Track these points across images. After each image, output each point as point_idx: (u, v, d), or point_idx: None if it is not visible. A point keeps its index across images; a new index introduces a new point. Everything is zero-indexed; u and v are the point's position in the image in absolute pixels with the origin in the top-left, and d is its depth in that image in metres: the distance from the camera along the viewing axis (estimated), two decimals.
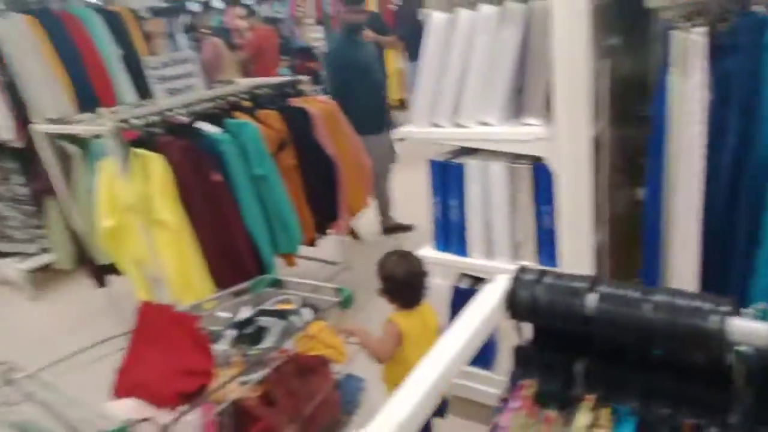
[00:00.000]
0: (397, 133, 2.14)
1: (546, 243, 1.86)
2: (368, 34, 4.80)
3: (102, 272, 2.88)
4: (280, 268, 2.78)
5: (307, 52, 8.59)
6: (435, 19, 1.80)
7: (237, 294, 1.78)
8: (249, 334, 1.52)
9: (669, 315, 0.58)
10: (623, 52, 1.91)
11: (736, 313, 0.59)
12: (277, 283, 1.80)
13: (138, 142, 2.46)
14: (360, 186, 3.25)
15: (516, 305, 0.67)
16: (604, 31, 1.85)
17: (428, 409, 0.61)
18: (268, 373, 1.36)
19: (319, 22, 8.97)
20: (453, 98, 1.87)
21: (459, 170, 1.95)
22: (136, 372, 1.28)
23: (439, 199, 2.04)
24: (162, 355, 1.29)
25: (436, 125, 1.93)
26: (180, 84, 2.89)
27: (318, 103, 3.10)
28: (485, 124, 1.84)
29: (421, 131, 1.95)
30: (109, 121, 2.42)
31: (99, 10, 4.10)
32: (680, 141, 1.67)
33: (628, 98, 1.87)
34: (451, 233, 2.05)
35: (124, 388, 1.26)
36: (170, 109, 2.66)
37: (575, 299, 0.63)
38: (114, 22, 4.10)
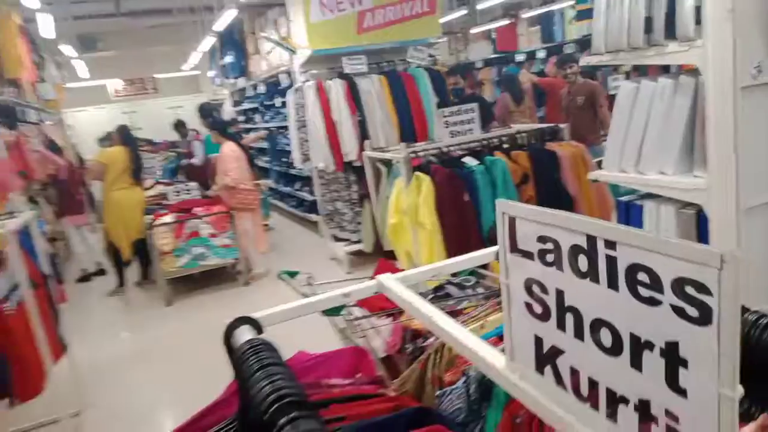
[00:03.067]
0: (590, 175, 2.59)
1: None
2: None
3: (387, 257, 4.04)
4: None
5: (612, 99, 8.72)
6: (623, 86, 2.24)
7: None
8: (439, 295, 2.27)
9: None
10: None
11: None
12: (474, 274, 2.51)
13: (420, 167, 3.49)
14: None
15: None
16: None
17: None
18: None
19: (636, 69, 8.95)
20: (636, 150, 2.25)
21: (639, 210, 2.31)
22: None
23: None
24: None
25: (623, 171, 2.33)
26: (461, 128, 3.85)
27: (569, 147, 3.64)
28: (662, 173, 2.18)
29: (609, 175, 2.38)
30: (404, 152, 3.51)
31: (427, 69, 5.44)
32: None
33: None
34: None
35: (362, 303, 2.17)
36: (448, 146, 3.63)
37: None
38: (436, 78, 5.39)
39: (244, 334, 1.05)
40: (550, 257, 0.65)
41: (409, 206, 3.35)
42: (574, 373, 0.64)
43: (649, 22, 1.99)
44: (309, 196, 6.92)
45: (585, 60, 2.32)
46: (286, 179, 7.90)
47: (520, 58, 9.95)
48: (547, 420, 0.69)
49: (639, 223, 2.31)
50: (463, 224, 3.31)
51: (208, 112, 6.60)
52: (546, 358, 0.69)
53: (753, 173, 1.91)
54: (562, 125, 3.84)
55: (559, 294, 0.65)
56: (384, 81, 5.20)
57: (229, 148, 5.40)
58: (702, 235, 2.08)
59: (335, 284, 2.35)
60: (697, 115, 2.02)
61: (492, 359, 0.81)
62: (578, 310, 0.62)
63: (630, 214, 2.37)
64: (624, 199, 2.39)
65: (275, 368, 0.85)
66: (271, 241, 6.80)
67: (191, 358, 4.23)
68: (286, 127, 7.21)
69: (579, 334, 0.63)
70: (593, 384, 0.62)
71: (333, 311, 1.94)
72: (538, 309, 0.69)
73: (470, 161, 3.50)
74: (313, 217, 7.12)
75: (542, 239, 0.66)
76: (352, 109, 5.13)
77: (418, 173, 3.37)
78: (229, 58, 8.12)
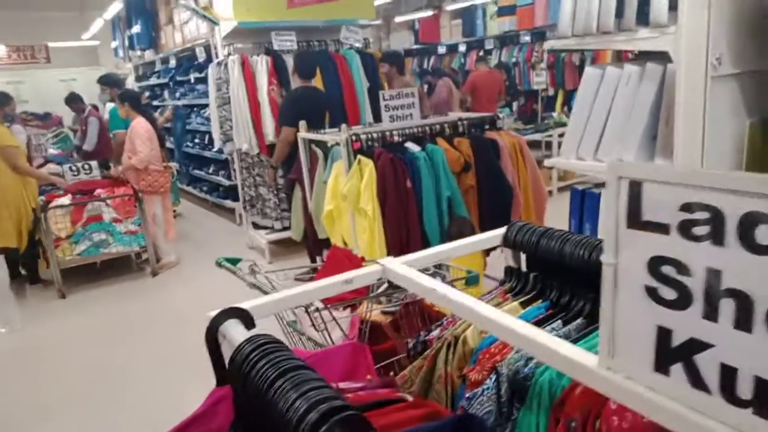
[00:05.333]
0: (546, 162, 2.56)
1: None
2: None
3: (318, 246, 3.83)
4: None
5: (534, 95, 9.11)
6: (588, 72, 2.21)
7: None
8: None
9: (572, 248, 1.00)
10: None
11: None
12: None
13: (361, 151, 3.31)
14: (534, 213, 3.66)
15: (507, 239, 1.14)
16: (753, 95, 2.03)
17: None
18: (401, 308, 1.95)
19: (551, 67, 9.33)
20: (596, 137, 2.24)
21: (596, 198, 2.30)
22: None
23: (575, 222, 2.40)
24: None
25: (580, 159, 2.31)
26: (401, 113, 3.71)
27: (508, 137, 3.63)
28: (622, 161, 2.17)
29: (567, 162, 2.35)
30: (344, 134, 3.32)
31: (359, 51, 5.25)
32: None
33: None
34: None
35: None
36: (390, 131, 3.47)
37: (533, 238, 1.08)
38: (368, 61, 5.22)
39: (234, 329, 0.84)
40: (700, 230, 0.52)
41: (349, 191, 3.17)
42: (728, 371, 0.52)
43: (620, 6, 1.96)
44: (226, 180, 6.49)
45: (549, 44, 2.26)
46: (198, 162, 7.37)
47: (441, 50, 10.04)
48: (680, 429, 0.56)
49: (595, 211, 2.31)
50: (404, 212, 3.18)
51: (116, 81, 5.93)
52: (675, 353, 0.56)
53: (713, 162, 1.94)
54: (500, 114, 3.83)
55: (713, 275, 0.52)
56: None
57: (140, 124, 4.89)
58: None
59: (283, 272, 2.15)
60: (662, 103, 2.02)
61: (577, 356, 0.67)
62: (746, 294, 0.50)
63: (585, 202, 2.36)
64: (580, 187, 2.38)
65: (306, 373, 0.66)
66: (180, 229, 6.31)
67: (89, 357, 3.77)
68: (200, 105, 6.72)
69: (744, 324, 0.50)
70: (764, 385, 0.49)
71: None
72: (669, 294, 0.56)
73: (412, 147, 3.38)
74: (228, 203, 6.70)
75: (689, 207, 0.53)
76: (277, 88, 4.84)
77: (361, 157, 3.20)
78: (136, 28, 7.40)
